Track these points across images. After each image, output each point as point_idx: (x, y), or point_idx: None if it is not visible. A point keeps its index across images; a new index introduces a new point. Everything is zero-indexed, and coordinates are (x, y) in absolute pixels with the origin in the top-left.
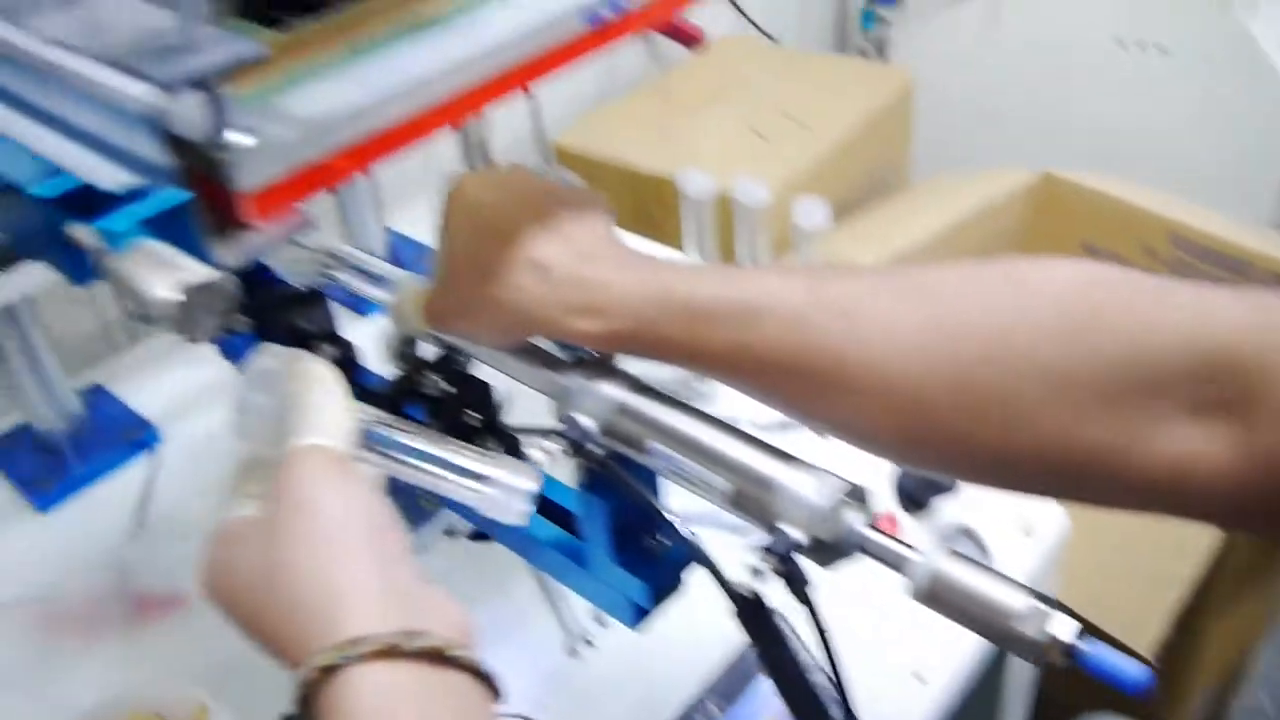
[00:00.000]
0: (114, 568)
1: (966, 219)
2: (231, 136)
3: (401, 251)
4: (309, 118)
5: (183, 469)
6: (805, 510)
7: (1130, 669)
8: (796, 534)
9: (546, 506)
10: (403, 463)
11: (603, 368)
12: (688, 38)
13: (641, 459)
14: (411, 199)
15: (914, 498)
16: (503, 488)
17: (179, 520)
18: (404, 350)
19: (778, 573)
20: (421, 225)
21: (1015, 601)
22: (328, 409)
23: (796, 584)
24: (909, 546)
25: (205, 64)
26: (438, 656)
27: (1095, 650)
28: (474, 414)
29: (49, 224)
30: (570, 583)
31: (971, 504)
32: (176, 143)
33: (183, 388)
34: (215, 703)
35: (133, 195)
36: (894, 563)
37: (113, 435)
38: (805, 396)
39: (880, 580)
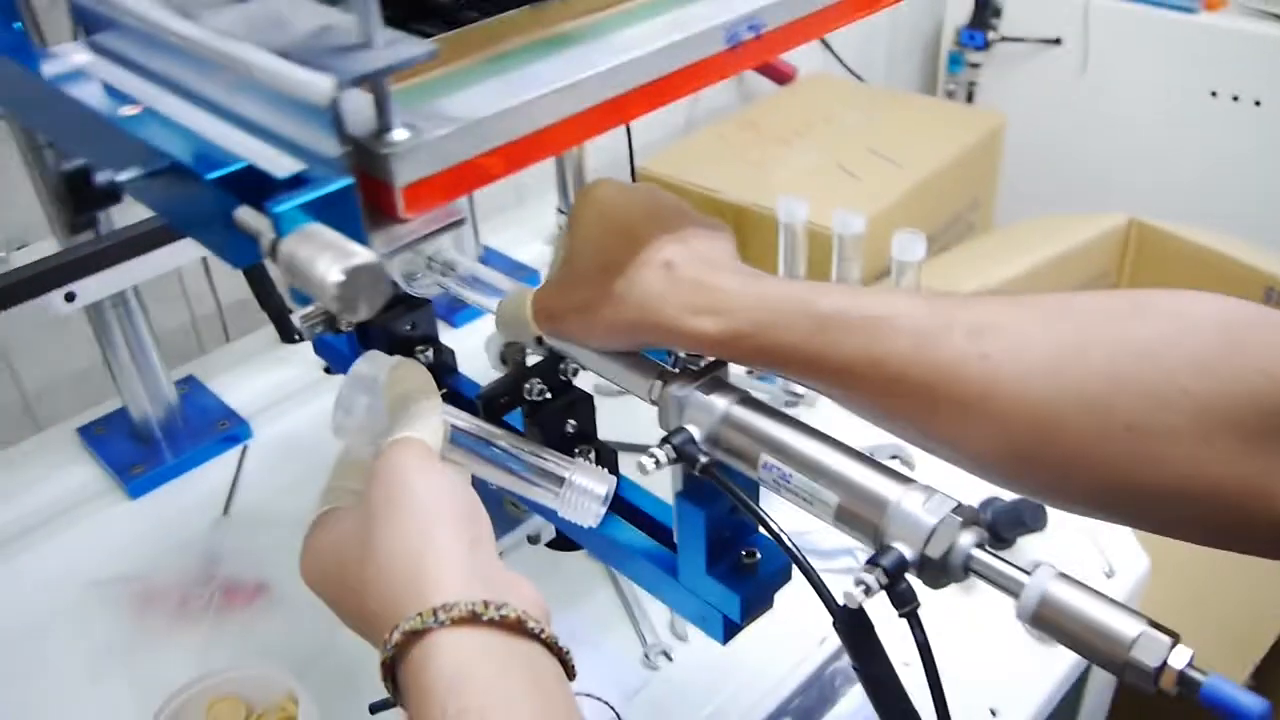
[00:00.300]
0: (202, 554)
1: (1054, 262)
2: (394, 133)
3: (494, 266)
4: (463, 118)
5: (270, 464)
6: (914, 528)
7: (1248, 701)
8: (906, 551)
9: (640, 518)
10: (486, 462)
11: (711, 379)
12: (780, 75)
13: (747, 470)
14: (502, 218)
15: (1000, 534)
16: (577, 490)
17: (265, 513)
18: (508, 355)
19: (885, 589)
20: (511, 243)
21: (1129, 627)
22: (421, 409)
23: (904, 603)
24: (1017, 568)
25: (381, 61)
26: (517, 626)
27: (1212, 680)
28: (573, 423)
29: (218, 207)
30: (661, 593)
31: (1055, 543)
32: (344, 134)
33: (272, 385)
34: (300, 690)
35: (296, 182)
36: (1002, 584)
37: (205, 427)
38: (925, 412)
39: (955, 615)
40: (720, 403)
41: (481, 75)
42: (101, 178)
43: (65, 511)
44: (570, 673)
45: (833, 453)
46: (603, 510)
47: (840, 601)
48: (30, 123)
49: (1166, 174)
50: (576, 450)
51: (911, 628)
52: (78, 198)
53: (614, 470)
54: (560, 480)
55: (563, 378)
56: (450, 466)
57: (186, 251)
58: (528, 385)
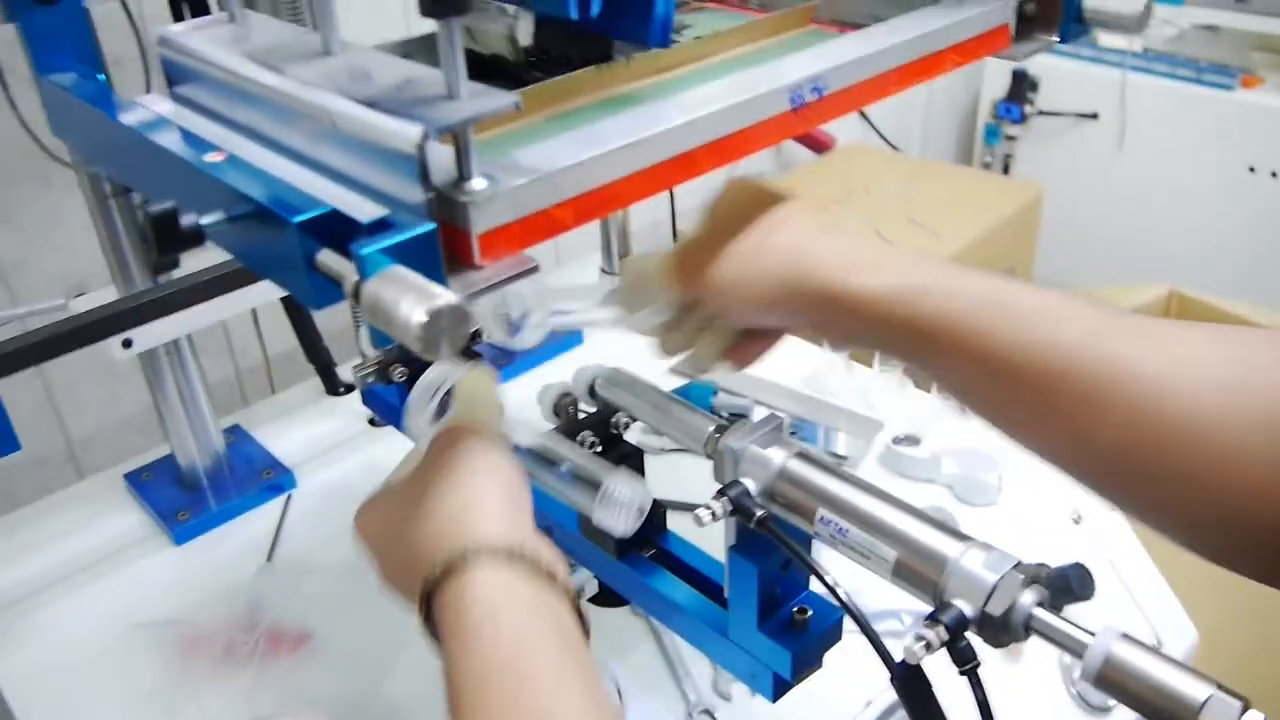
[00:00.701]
0: (247, 601)
1: None
2: (473, 182)
3: None
4: (538, 170)
5: (313, 514)
6: (975, 585)
7: None
8: (966, 608)
9: (688, 573)
10: (534, 462)
11: (767, 432)
12: (819, 144)
13: (803, 525)
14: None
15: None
16: (615, 496)
17: (308, 562)
18: (561, 407)
19: (945, 646)
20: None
21: (1197, 690)
22: (480, 397)
23: (965, 660)
24: (1080, 628)
25: (467, 111)
26: (547, 576)
27: None
28: None
29: (301, 250)
30: (709, 650)
31: (1102, 612)
32: (427, 182)
33: (317, 436)
34: None
35: (379, 226)
36: (1066, 644)
37: (250, 475)
38: (1083, 413)
39: (1002, 681)
40: (777, 456)
41: (552, 131)
42: (186, 221)
43: (111, 555)
44: (587, 634)
45: (890, 509)
46: (637, 522)
47: (899, 658)
48: (110, 170)
49: (1203, 247)
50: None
51: (972, 686)
52: (163, 239)
53: (661, 527)
54: (598, 484)
55: (614, 430)
56: (504, 450)
57: (241, 302)
58: (580, 437)
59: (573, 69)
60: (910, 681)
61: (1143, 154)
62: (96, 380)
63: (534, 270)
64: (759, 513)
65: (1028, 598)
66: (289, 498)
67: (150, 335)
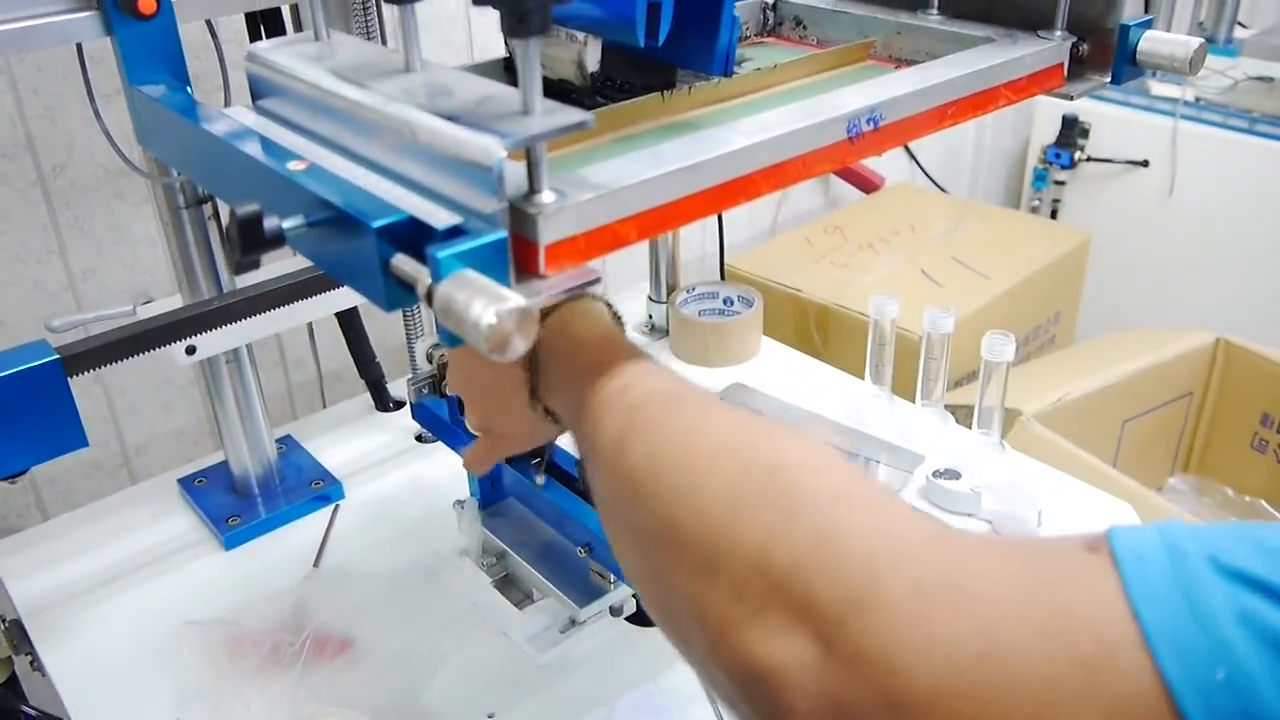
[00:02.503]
0: (293, 605)
1: (1138, 376)
2: (542, 195)
3: None
4: (604, 186)
5: (360, 524)
6: None
7: None
8: None
9: None
10: None
11: None
12: (867, 183)
13: None
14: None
15: None
16: None
17: (354, 570)
18: None
19: None
20: None
21: None
22: None
23: None
24: None
25: (541, 126)
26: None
27: None
28: None
29: (377, 255)
30: None
31: None
32: (502, 194)
33: (366, 450)
34: None
35: (453, 233)
36: None
37: (301, 485)
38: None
39: None
40: None
41: (617, 152)
42: (269, 225)
43: (163, 557)
44: None
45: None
46: None
47: None
48: (194, 176)
49: (1251, 296)
50: None
51: None
52: (246, 241)
53: None
54: None
55: None
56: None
57: (300, 314)
58: None
59: (636, 96)
60: None
61: (1193, 202)
62: (154, 390)
63: (596, 281)
64: None
65: None
66: (336, 508)
67: (213, 343)
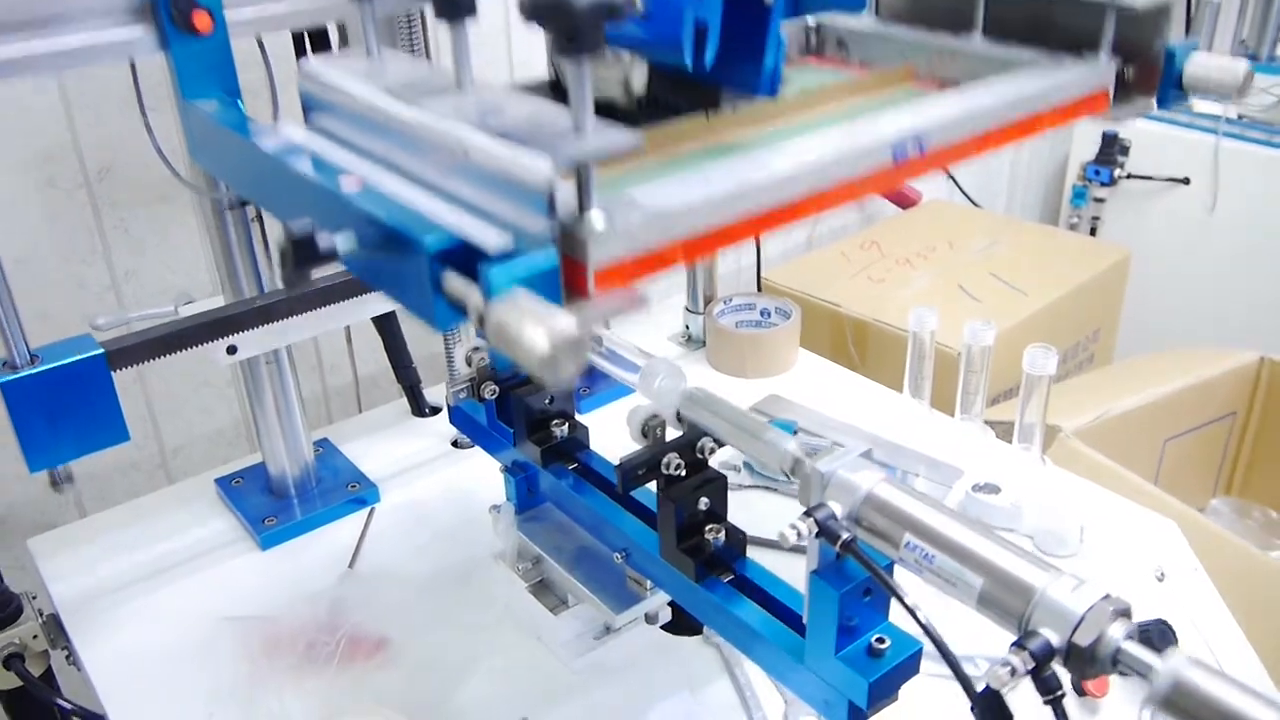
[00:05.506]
0: (329, 605)
1: (1181, 395)
2: (591, 216)
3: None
4: (652, 208)
5: (395, 527)
6: (1063, 615)
7: None
8: (1053, 638)
9: (766, 601)
10: None
11: (855, 457)
12: (905, 200)
13: (888, 550)
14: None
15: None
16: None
17: (389, 572)
18: (649, 428)
19: (1030, 674)
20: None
21: (1266, 716)
22: None
23: (1049, 690)
24: (1156, 653)
25: (592, 147)
26: None
27: None
28: (705, 500)
29: (429, 274)
30: (784, 677)
31: None
32: (552, 214)
33: (402, 455)
34: None
35: (504, 255)
36: (1143, 672)
37: (337, 487)
38: None
39: None
40: (865, 481)
41: (664, 173)
42: (322, 243)
43: (199, 556)
44: None
45: (978, 536)
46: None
47: (980, 685)
48: (247, 192)
49: None
50: (710, 533)
51: (1057, 717)
52: (300, 258)
53: (741, 552)
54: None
55: (699, 455)
56: None
57: (340, 316)
58: (666, 459)
59: (681, 115)
60: (992, 709)
61: (1235, 220)
62: (192, 392)
63: (643, 303)
64: (844, 535)
65: (1117, 630)
66: (372, 511)
67: (254, 343)
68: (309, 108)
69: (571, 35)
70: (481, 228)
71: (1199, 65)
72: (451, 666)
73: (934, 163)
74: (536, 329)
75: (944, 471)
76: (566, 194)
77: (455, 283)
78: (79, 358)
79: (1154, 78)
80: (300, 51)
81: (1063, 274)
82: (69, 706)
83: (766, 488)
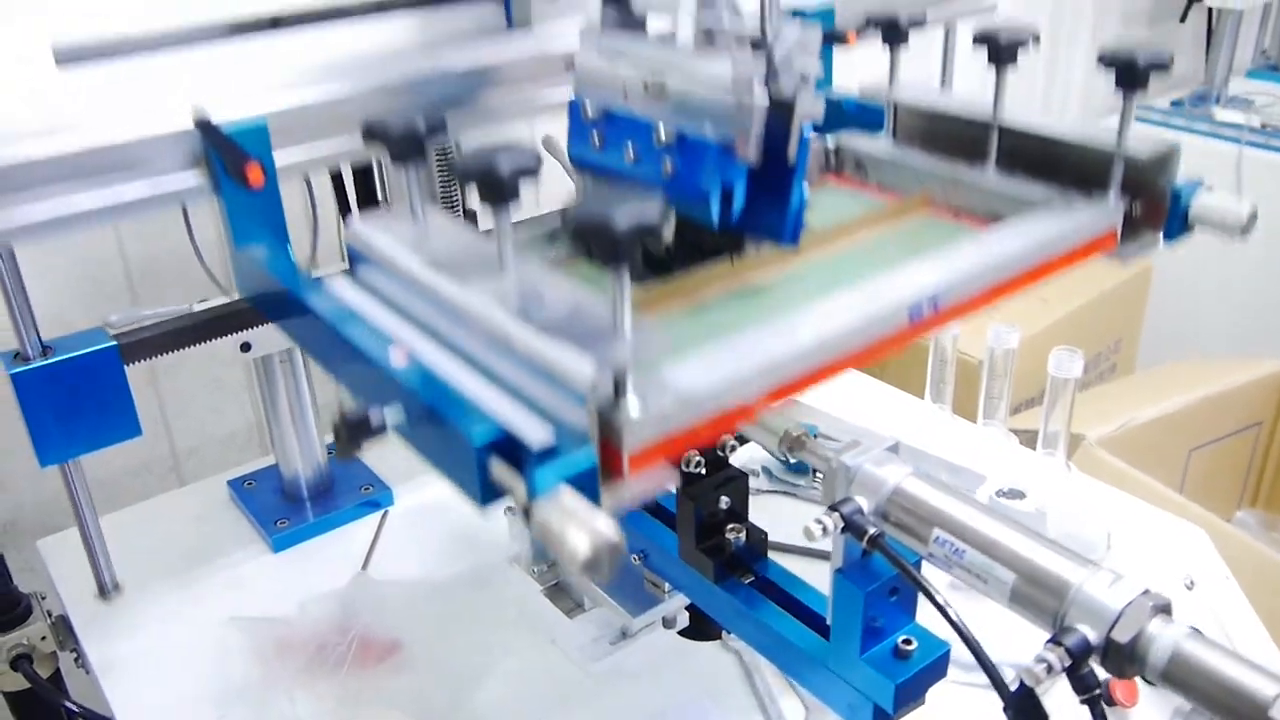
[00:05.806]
0: (340, 608)
1: (1206, 403)
2: (628, 405)
3: None
4: (683, 391)
5: (408, 531)
6: (1100, 611)
7: None
8: (1090, 635)
9: (789, 604)
10: None
11: (882, 451)
12: None
13: (917, 546)
14: None
15: None
16: None
17: (401, 575)
18: None
19: (1066, 672)
20: None
21: (1268, 688)
22: None
23: (1087, 688)
24: None
25: (629, 353)
26: None
27: None
28: (726, 499)
29: (478, 462)
30: (808, 681)
31: None
32: (590, 409)
33: (414, 457)
34: None
35: (545, 452)
36: None
37: (350, 490)
38: None
39: None
40: (892, 475)
41: (691, 331)
42: (374, 422)
43: (211, 558)
44: None
45: (1010, 530)
46: None
47: (1014, 683)
48: (294, 338)
49: None
50: (731, 531)
51: (1094, 717)
52: (353, 436)
53: (762, 553)
54: None
55: (720, 453)
56: None
57: None
58: (686, 457)
59: (707, 257)
60: (1027, 710)
61: (1258, 229)
62: (205, 393)
63: (674, 480)
64: (871, 530)
65: (1157, 626)
66: (386, 513)
67: (268, 339)
68: (355, 259)
69: (613, 253)
70: (525, 418)
71: (1204, 205)
72: (465, 670)
73: (946, 318)
74: (579, 533)
75: (966, 477)
76: (604, 385)
77: (502, 472)
78: (92, 349)
79: (1161, 215)
80: (343, 202)
81: (1083, 282)
82: (76, 709)
83: (786, 492)
